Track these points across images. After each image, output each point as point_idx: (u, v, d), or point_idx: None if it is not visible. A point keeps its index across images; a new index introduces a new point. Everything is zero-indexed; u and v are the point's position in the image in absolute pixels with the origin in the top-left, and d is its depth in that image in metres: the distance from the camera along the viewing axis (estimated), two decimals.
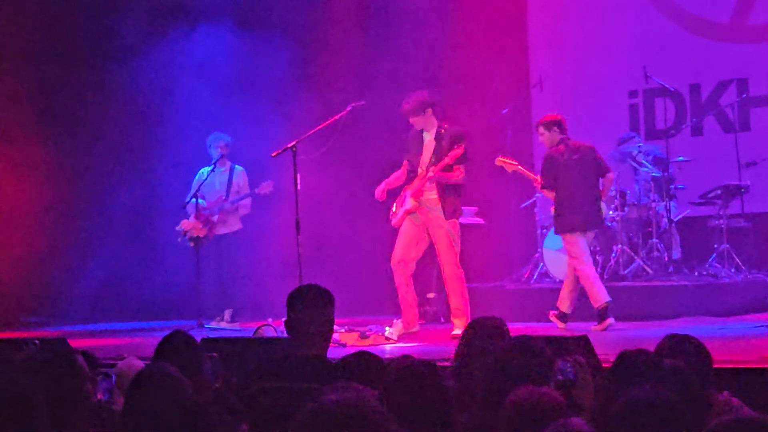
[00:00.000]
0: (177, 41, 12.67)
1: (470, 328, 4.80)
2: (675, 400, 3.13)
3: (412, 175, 9.91)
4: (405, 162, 10.02)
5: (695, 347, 4.43)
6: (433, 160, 9.73)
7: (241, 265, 11.77)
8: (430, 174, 9.66)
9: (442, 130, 9.77)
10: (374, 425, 2.44)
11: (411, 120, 9.80)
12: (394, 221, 9.97)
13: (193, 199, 11.45)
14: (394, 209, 10.01)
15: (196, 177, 11.67)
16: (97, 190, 13.46)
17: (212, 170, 11.54)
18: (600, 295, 9.61)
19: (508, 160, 10.49)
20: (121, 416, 3.66)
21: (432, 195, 9.75)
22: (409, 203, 9.77)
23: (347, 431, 2.42)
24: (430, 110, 9.77)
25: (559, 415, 3.45)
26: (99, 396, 4.52)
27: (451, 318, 9.83)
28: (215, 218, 11.53)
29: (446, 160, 9.62)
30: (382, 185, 9.99)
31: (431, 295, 11.38)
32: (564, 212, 9.85)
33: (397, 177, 10.04)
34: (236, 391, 4.59)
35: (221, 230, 11.56)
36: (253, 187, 11.42)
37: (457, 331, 9.48)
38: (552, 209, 10.13)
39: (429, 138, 9.83)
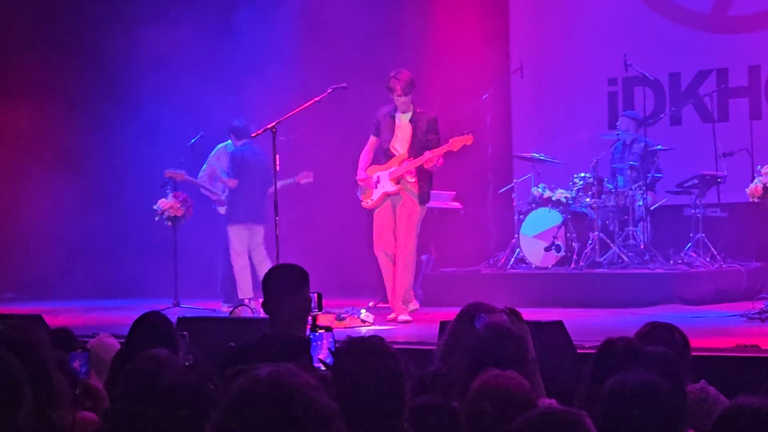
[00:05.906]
0: (155, 21, 12.60)
1: (464, 311, 4.76)
2: (662, 385, 3.15)
3: (386, 155, 9.80)
4: (372, 139, 9.90)
5: (675, 335, 4.45)
6: (413, 143, 9.67)
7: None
8: (429, 156, 9.50)
9: (418, 113, 9.70)
10: (301, 396, 2.45)
11: (398, 99, 9.60)
12: (369, 203, 9.84)
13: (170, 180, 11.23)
14: (361, 193, 9.91)
15: (214, 153, 11.44)
16: (73, 164, 13.39)
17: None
18: None
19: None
20: (114, 397, 3.64)
21: (411, 179, 9.71)
22: (390, 186, 9.69)
23: (275, 402, 2.42)
24: (413, 92, 9.69)
25: (524, 398, 3.48)
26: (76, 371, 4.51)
27: (397, 303, 9.68)
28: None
29: (447, 147, 9.55)
30: (361, 168, 9.91)
31: None
32: None
33: (366, 156, 9.93)
34: (216, 371, 4.59)
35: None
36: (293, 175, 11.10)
37: (405, 317, 9.56)
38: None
39: (404, 121, 9.69)
